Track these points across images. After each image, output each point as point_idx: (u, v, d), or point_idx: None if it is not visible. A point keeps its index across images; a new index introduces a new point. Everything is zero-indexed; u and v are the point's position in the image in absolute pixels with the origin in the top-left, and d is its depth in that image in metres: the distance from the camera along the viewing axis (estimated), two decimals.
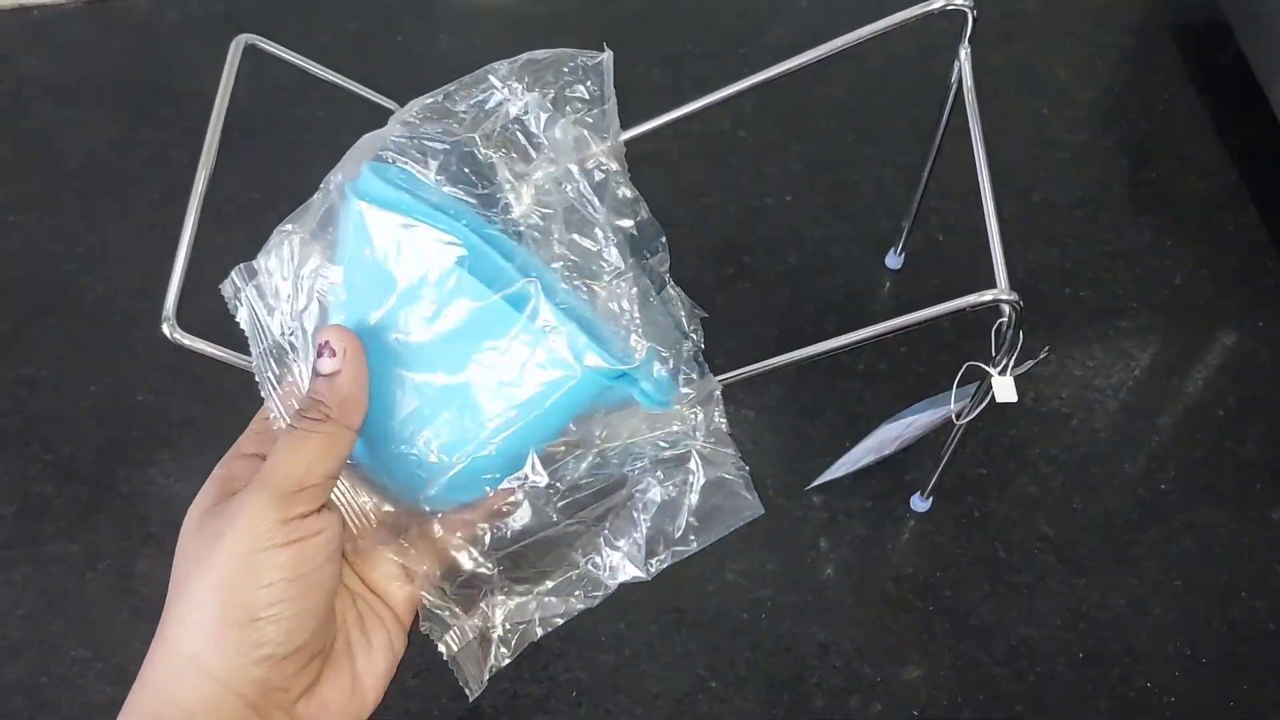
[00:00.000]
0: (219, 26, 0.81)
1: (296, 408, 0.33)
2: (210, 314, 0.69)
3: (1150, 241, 0.74)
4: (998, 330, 0.48)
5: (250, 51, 0.56)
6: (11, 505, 0.63)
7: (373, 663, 0.35)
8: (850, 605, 0.61)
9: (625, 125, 0.56)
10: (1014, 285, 0.48)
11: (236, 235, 0.73)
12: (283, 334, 0.35)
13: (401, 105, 0.62)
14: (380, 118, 0.62)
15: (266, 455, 0.32)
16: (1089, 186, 0.76)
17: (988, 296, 0.47)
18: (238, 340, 0.69)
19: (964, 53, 0.55)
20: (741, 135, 0.77)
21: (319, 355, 0.32)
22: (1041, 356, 0.69)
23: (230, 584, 0.30)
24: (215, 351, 0.47)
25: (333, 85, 0.59)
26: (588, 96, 0.38)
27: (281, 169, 0.75)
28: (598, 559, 0.37)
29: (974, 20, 0.54)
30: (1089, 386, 0.68)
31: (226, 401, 0.67)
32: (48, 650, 0.59)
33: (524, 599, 0.37)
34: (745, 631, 0.61)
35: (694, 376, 0.37)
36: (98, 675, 0.59)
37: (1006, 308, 0.47)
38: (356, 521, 0.36)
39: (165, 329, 0.46)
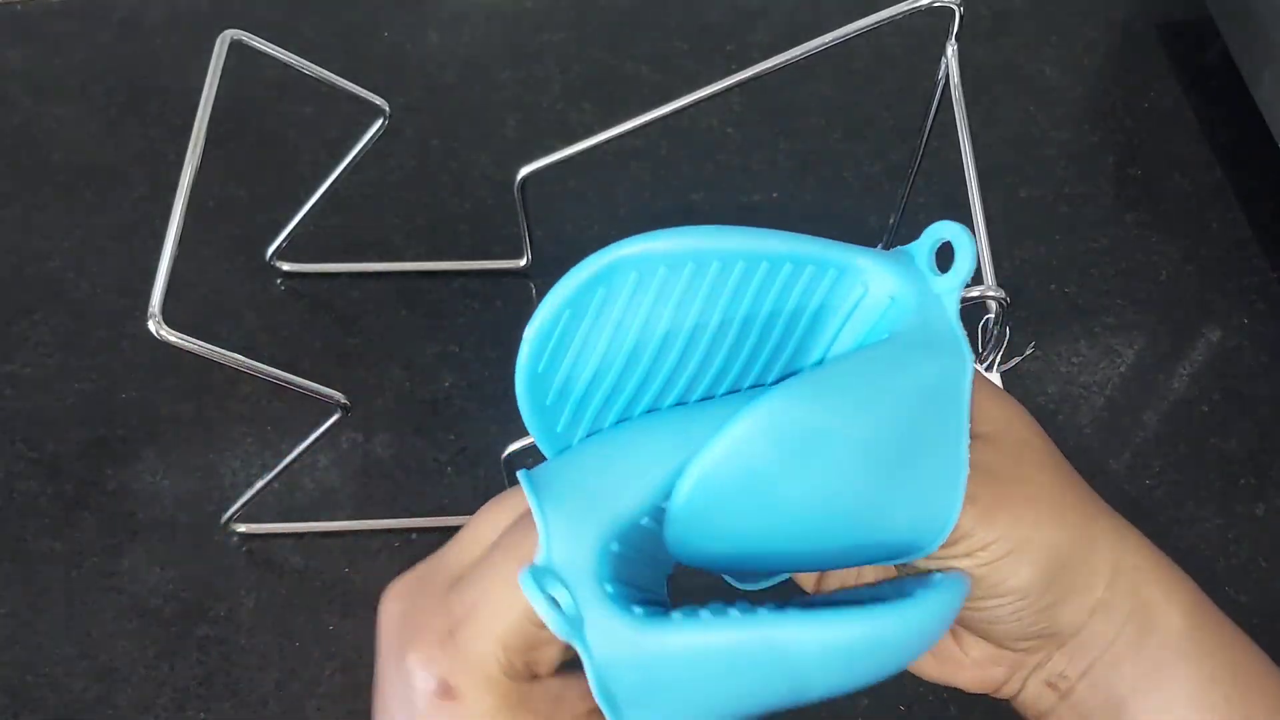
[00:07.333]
0: (205, 22, 0.81)
1: None
2: (196, 311, 0.69)
3: (1136, 238, 0.74)
4: (984, 326, 0.49)
5: (236, 47, 0.55)
6: None
7: None
8: None
9: (613, 121, 0.56)
10: (1001, 281, 0.48)
11: (223, 232, 0.73)
12: None
13: (389, 101, 0.62)
14: (368, 114, 0.62)
15: None
16: (1075, 183, 0.77)
17: (974, 292, 0.47)
18: (224, 337, 0.69)
19: (951, 50, 0.56)
20: (730, 132, 0.77)
21: None
22: (1028, 353, 0.70)
23: None
24: (201, 348, 0.47)
25: (320, 81, 0.59)
26: None
27: (268, 166, 0.75)
28: None
29: (961, 17, 0.55)
30: (1074, 383, 0.69)
31: (212, 399, 0.66)
32: (32, 649, 0.59)
33: None
34: None
35: None
36: (84, 673, 0.58)
37: (993, 304, 0.47)
38: None
39: (151, 326, 0.46)
